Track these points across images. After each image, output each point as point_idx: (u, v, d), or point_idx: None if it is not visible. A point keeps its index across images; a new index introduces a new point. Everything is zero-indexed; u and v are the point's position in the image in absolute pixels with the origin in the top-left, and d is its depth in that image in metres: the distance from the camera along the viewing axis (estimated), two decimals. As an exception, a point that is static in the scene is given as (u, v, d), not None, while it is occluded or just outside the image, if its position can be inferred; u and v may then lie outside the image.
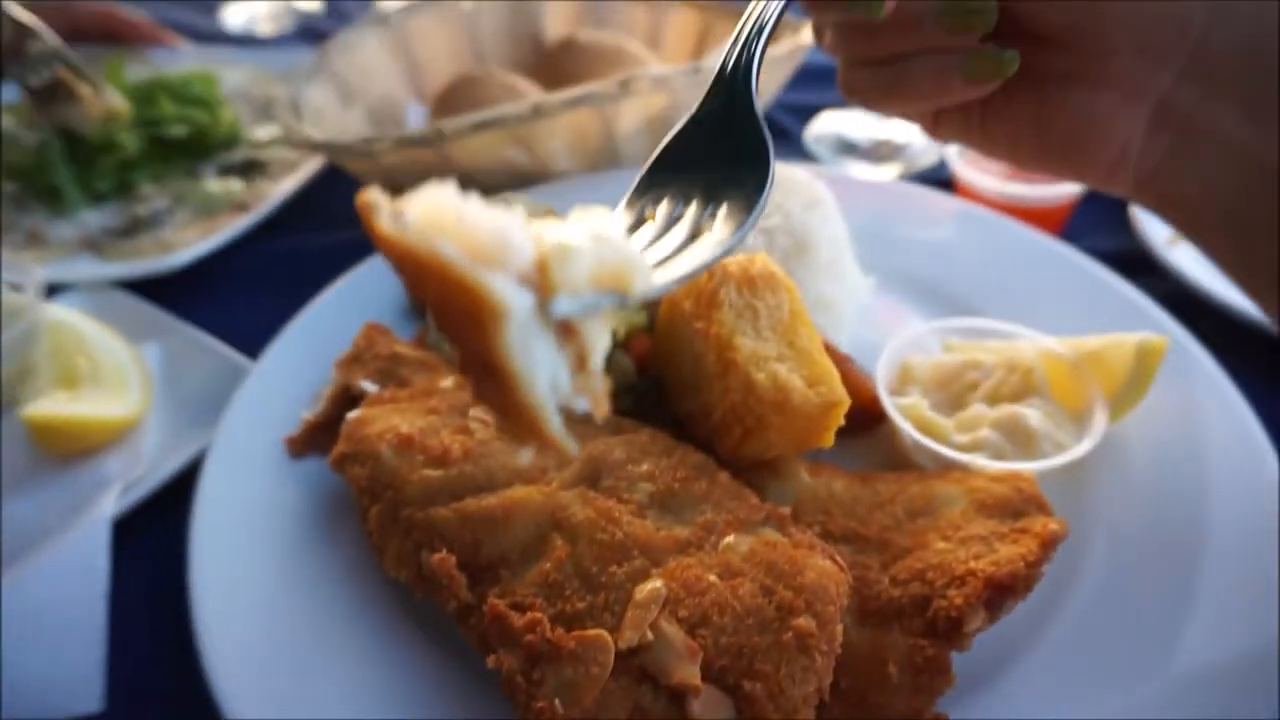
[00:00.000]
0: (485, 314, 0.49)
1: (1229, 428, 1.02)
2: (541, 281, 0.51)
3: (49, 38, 1.81)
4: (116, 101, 1.73)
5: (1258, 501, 0.95)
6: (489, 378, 0.52)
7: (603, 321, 0.56)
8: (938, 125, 0.83)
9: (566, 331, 0.54)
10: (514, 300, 0.49)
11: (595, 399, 0.56)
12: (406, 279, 0.51)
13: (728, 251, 0.62)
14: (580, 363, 0.55)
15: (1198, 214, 0.77)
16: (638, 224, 0.66)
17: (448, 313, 0.51)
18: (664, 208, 0.66)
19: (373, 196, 0.50)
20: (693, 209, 0.65)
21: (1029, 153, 0.80)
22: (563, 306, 0.52)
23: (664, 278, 0.59)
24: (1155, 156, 0.76)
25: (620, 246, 0.54)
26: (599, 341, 0.56)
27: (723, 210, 0.64)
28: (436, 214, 0.50)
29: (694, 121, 0.71)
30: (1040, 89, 0.76)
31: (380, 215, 0.49)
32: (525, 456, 0.91)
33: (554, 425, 0.53)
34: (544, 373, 0.52)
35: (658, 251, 0.62)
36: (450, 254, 0.48)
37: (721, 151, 0.69)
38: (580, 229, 0.54)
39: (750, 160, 0.67)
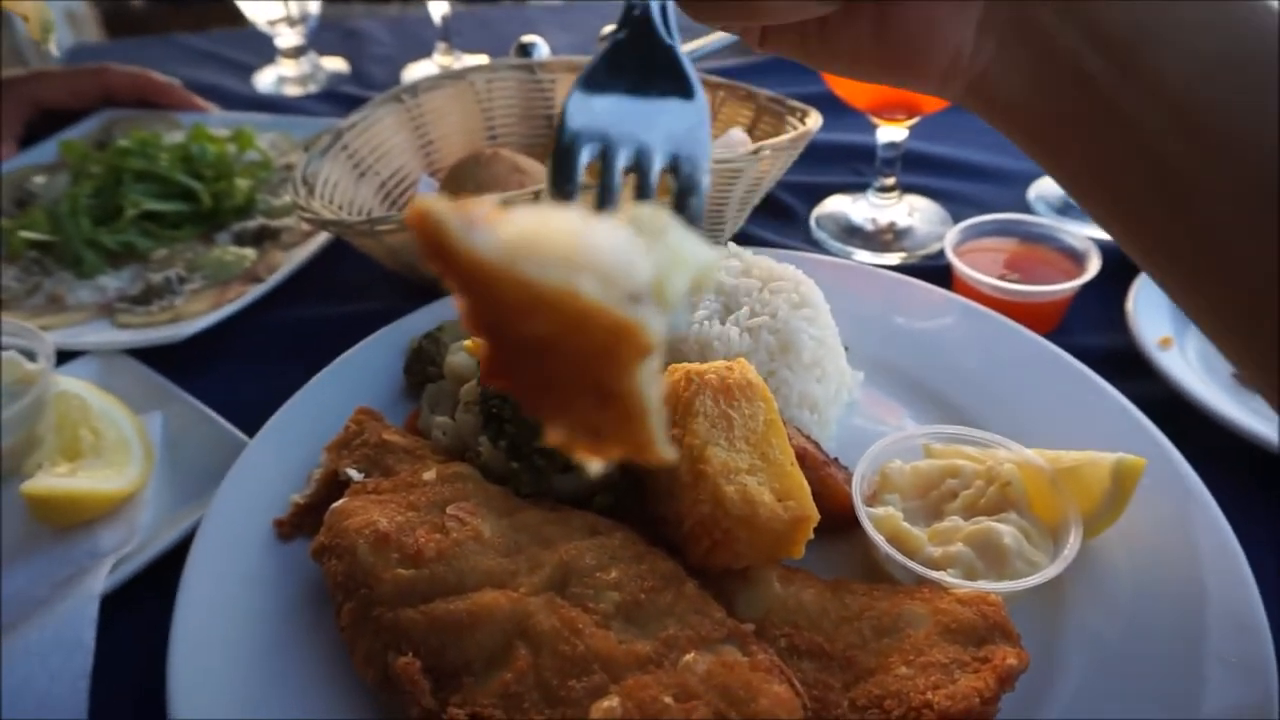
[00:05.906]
0: (627, 352, 0.45)
1: (1208, 545, 1.01)
2: (659, 301, 0.47)
3: None
4: None
5: (1236, 624, 0.94)
6: (604, 409, 0.47)
7: None
8: (767, 39, 0.85)
9: None
10: (659, 336, 0.45)
11: None
12: (484, 309, 0.45)
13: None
14: None
15: (1016, 116, 0.80)
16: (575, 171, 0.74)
17: (557, 349, 0.45)
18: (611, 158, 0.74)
19: (438, 210, 0.42)
20: (643, 160, 0.74)
21: (869, 64, 0.82)
22: (673, 325, 0.48)
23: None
24: (982, 61, 0.78)
25: (704, 251, 0.50)
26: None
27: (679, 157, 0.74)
28: (541, 238, 0.43)
29: (610, 56, 0.78)
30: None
31: (453, 232, 0.42)
32: (497, 558, 0.92)
33: (665, 445, 0.48)
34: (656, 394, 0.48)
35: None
36: (592, 293, 0.43)
37: (648, 87, 0.77)
38: (665, 232, 0.49)
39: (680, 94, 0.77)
